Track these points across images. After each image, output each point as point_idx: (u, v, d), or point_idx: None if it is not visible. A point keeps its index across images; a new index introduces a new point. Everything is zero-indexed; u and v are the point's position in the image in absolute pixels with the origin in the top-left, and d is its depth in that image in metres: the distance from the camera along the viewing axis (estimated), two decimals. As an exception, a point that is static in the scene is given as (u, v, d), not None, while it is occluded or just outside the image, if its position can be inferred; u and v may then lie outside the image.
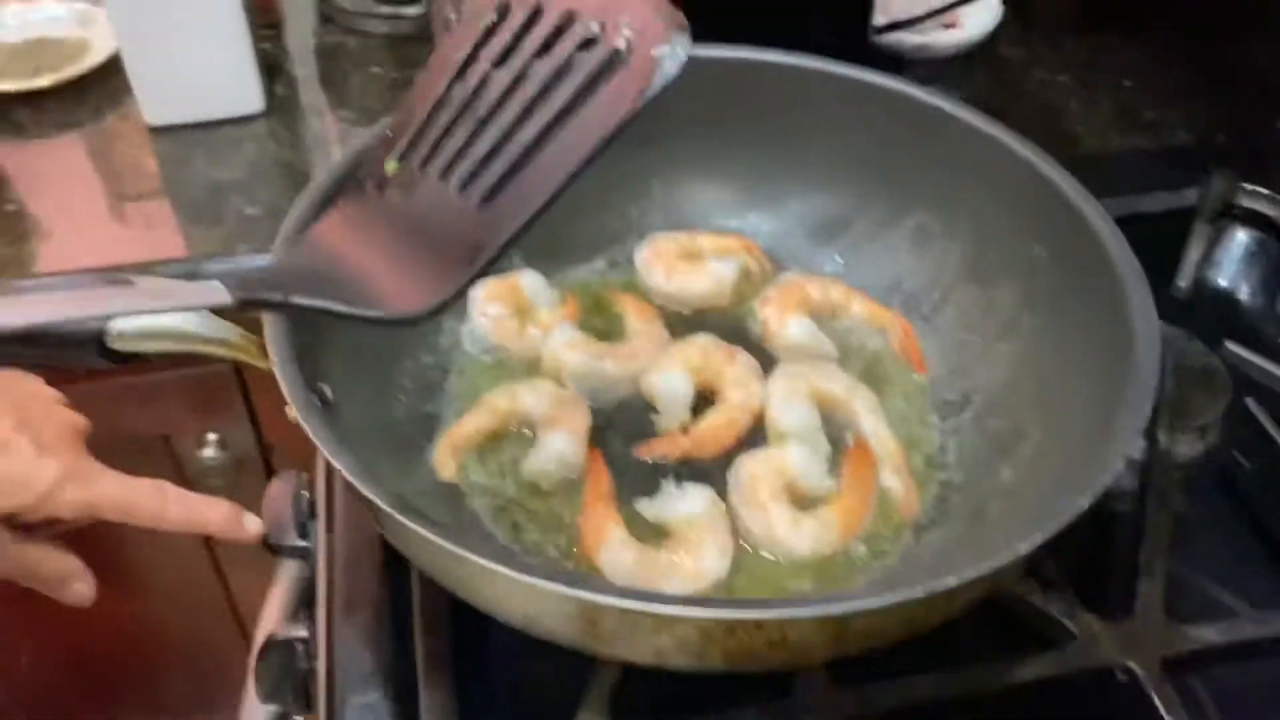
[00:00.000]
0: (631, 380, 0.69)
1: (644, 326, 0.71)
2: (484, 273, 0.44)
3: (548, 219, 0.76)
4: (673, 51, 0.42)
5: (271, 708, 0.66)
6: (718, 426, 0.66)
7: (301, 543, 0.71)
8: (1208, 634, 0.58)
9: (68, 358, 0.49)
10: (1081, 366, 0.61)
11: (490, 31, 0.46)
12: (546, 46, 0.45)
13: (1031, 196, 0.66)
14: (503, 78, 0.45)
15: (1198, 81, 1.06)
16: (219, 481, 0.99)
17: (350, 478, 0.48)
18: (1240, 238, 0.90)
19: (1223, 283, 0.89)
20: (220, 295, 0.41)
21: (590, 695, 0.54)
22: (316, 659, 0.64)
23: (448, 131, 0.45)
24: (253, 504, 0.67)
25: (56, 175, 0.95)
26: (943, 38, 1.08)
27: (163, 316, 0.52)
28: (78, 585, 0.61)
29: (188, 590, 1.10)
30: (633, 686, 0.55)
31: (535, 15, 0.45)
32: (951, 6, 1.04)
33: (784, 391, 0.67)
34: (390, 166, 0.46)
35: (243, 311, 0.43)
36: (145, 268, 0.85)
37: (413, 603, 0.61)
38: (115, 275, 0.66)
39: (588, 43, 0.44)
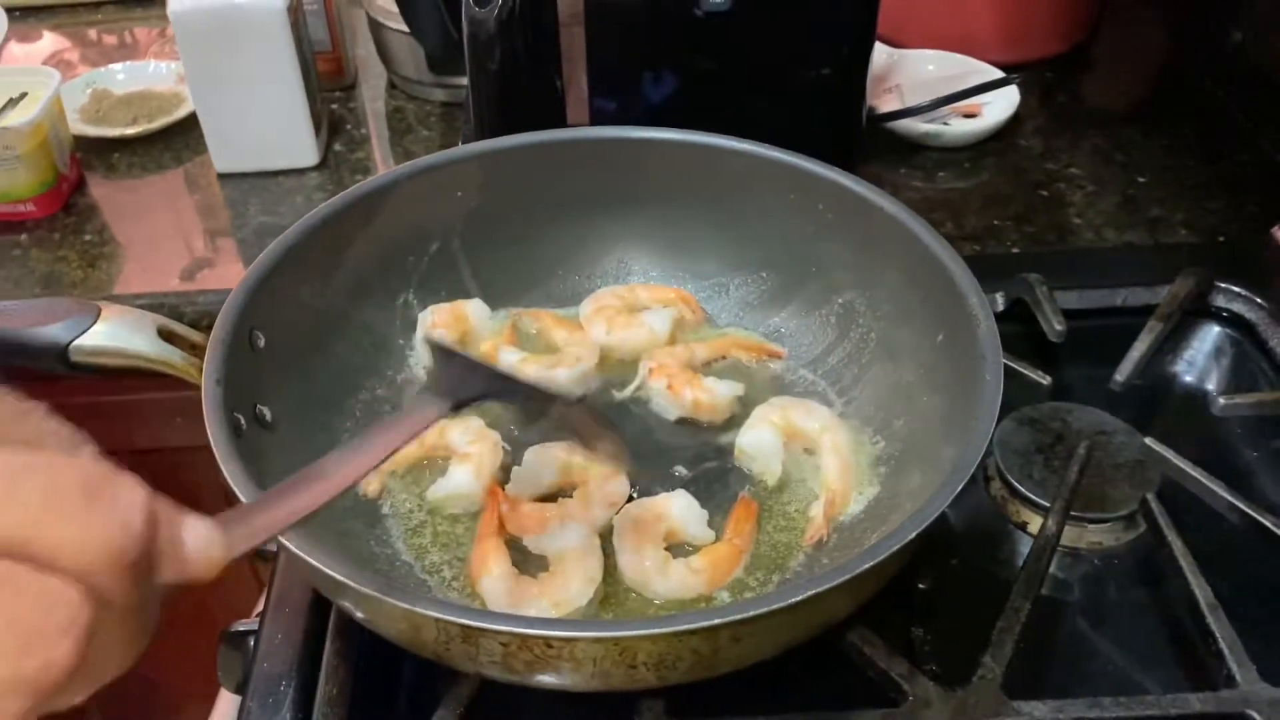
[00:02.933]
0: (582, 381, 0.77)
1: (573, 337, 0.80)
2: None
3: (518, 273, 0.85)
4: None
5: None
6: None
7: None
8: (1037, 710, 0.61)
9: (29, 364, 0.59)
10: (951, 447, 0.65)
11: None
12: None
13: (937, 284, 0.71)
14: None
15: (1212, 183, 1.07)
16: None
17: (239, 494, 0.57)
18: (1210, 335, 0.91)
19: (1188, 379, 0.90)
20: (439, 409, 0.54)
21: (447, 700, 0.61)
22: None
23: None
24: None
25: (137, 210, 1.08)
26: (959, 126, 1.12)
27: (119, 338, 0.62)
28: None
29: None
30: (487, 702, 0.62)
31: None
32: (957, 98, 1.08)
33: (756, 418, 0.74)
34: None
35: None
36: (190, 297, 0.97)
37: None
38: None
39: None
